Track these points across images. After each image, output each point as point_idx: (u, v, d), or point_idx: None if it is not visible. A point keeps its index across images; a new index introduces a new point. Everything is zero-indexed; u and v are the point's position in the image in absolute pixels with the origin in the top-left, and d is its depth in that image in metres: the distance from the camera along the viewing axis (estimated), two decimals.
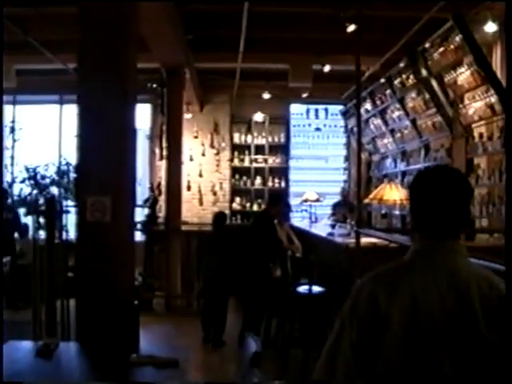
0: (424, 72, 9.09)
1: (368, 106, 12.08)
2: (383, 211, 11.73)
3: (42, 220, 6.16)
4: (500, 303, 1.98)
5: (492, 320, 1.97)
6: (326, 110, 14.47)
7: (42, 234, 6.14)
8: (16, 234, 11.82)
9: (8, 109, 14.30)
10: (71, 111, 13.26)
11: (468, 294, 1.99)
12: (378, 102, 11.67)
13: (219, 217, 8.35)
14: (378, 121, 12.18)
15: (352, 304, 2.08)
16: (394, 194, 9.48)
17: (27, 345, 4.51)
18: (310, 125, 14.48)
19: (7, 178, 14.12)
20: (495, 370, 1.97)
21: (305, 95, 12.43)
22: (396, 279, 2.06)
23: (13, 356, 4.05)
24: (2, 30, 3.43)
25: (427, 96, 9.31)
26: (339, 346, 2.05)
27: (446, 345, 1.96)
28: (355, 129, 12.88)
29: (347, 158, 14.45)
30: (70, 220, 6.21)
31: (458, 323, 1.96)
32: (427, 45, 8.68)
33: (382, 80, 10.89)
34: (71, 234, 6.31)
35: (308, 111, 14.45)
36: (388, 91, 10.93)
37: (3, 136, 5.16)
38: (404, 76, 9.96)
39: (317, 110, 14.47)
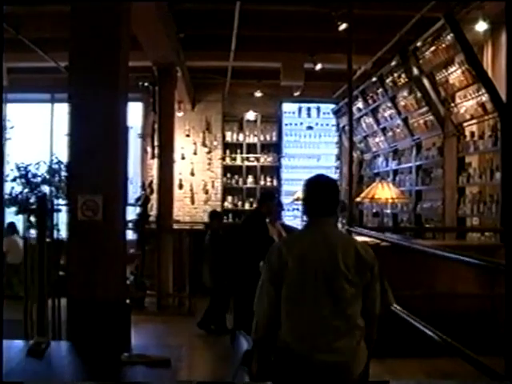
0: (416, 71, 9.12)
1: (360, 104, 12.11)
2: (374, 210, 11.77)
3: (32, 219, 6.11)
4: (354, 254, 3.31)
5: (348, 263, 3.28)
6: (318, 108, 14.48)
7: (33, 232, 6.10)
8: None
9: None
10: (62, 110, 13.24)
11: (335, 247, 3.34)
12: (370, 101, 11.70)
13: (215, 214, 8.55)
14: (369, 119, 12.21)
15: (267, 259, 3.42)
16: (385, 192, 9.51)
17: (18, 344, 4.50)
18: (301, 123, 14.49)
19: None
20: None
21: (297, 94, 12.44)
22: (293, 240, 3.69)
23: (4, 355, 4.04)
24: (1, 29, 3.42)
25: (419, 95, 9.34)
26: (262, 305, 3.39)
27: (320, 276, 3.28)
28: (347, 127, 12.86)
29: (339, 157, 14.47)
30: (61, 219, 6.19)
31: (328, 264, 3.29)
32: (419, 43, 8.70)
33: (374, 79, 10.91)
34: (62, 233, 6.29)
35: (300, 110, 14.47)
36: (380, 90, 10.96)
37: (3, 135, 5.16)
38: (396, 75, 9.98)
39: (309, 109, 14.48)
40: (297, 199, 12.53)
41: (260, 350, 3.37)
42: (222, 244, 8.47)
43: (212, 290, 8.43)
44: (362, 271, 3.30)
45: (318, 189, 3.51)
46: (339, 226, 8.98)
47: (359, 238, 6.50)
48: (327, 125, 14.56)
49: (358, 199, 10.32)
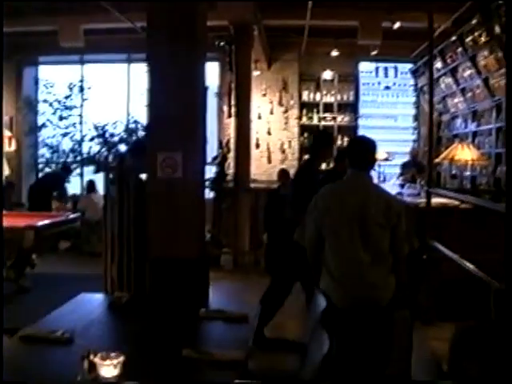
0: (497, 29, 8.77)
1: (438, 64, 11.78)
2: (453, 172, 11.52)
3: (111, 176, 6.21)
4: (383, 202, 4.12)
5: (378, 208, 4.07)
6: (396, 68, 14.19)
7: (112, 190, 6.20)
8: (54, 194, 12.21)
9: (76, 68, 14.54)
10: (139, 70, 13.39)
11: (368, 195, 4.15)
12: (449, 61, 11.36)
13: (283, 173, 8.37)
14: (448, 80, 11.87)
15: (314, 202, 4.32)
16: (465, 153, 9.30)
17: (99, 297, 4.63)
18: (379, 83, 14.25)
19: (77, 136, 14.42)
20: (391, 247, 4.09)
21: (374, 53, 12.20)
22: (336, 188, 4.41)
23: (86, 308, 4.18)
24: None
25: (500, 54, 9.00)
26: (309, 225, 4.32)
27: (355, 217, 4.07)
28: (425, 88, 12.63)
29: (416, 118, 14.18)
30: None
31: (361, 209, 4.08)
32: (501, 1, 8.35)
33: (453, 38, 10.57)
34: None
35: (377, 69, 14.21)
36: (459, 49, 10.61)
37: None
38: (476, 33, 9.63)
39: (386, 69, 14.20)
40: None
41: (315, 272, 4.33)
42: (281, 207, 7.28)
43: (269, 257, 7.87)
44: (389, 216, 4.07)
45: (357, 147, 4.41)
46: (418, 186, 8.93)
47: (438, 200, 6.42)
48: (405, 85, 14.27)
49: (437, 160, 10.11)
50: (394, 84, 14.27)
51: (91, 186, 12.57)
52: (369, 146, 4.34)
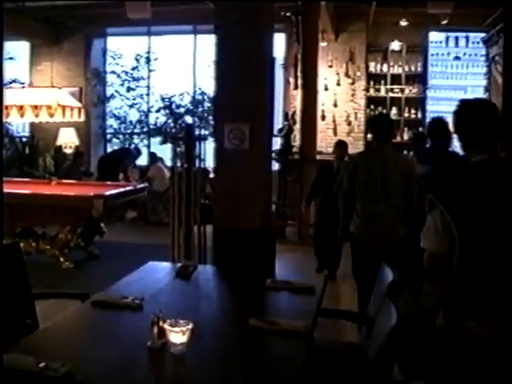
0: None
1: None
2: None
3: (178, 148, 6.28)
4: (401, 167, 5.48)
5: (396, 171, 5.42)
6: (467, 37, 13.77)
7: (178, 161, 6.27)
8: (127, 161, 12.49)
9: (143, 40, 14.68)
10: (205, 41, 13.41)
11: (392, 161, 5.48)
12: None
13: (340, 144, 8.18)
14: None
15: (347, 166, 5.83)
16: None
17: (166, 266, 4.71)
18: (448, 53, 13.85)
19: (143, 107, 14.59)
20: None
21: (444, 22, 11.88)
22: (364, 155, 6.40)
23: (154, 276, 4.25)
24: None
25: None
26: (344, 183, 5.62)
27: (379, 179, 5.40)
28: (497, 57, 12.25)
29: (487, 89, 13.79)
30: (205, 149, 6.35)
31: (384, 170, 5.39)
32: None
33: None
34: (207, 162, 6.45)
35: (447, 39, 13.83)
36: None
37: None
38: None
39: (457, 38, 13.81)
40: None
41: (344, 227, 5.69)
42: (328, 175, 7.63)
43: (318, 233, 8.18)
44: (405, 178, 5.42)
45: (379, 124, 5.73)
46: None
47: None
48: (475, 55, 13.83)
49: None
50: (465, 54, 13.86)
51: (153, 157, 12.76)
52: (388, 122, 5.90)
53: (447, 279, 3.16)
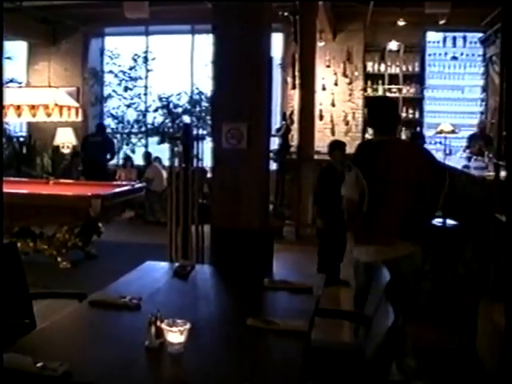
0: None
1: None
2: None
3: (175, 148, 6.28)
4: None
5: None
6: (465, 37, 13.79)
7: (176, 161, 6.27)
8: (108, 156, 12.45)
9: (141, 39, 14.68)
10: (203, 41, 13.42)
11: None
12: None
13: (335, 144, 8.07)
14: None
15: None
16: None
17: (164, 266, 4.70)
18: (446, 53, 13.88)
19: (141, 106, 14.58)
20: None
21: (442, 22, 11.88)
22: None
23: (151, 275, 4.25)
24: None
25: None
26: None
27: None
28: (494, 57, 12.26)
29: (485, 89, 13.80)
30: (202, 149, 6.34)
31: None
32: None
33: None
34: (204, 162, 6.45)
35: (445, 39, 13.85)
36: None
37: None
38: None
39: (454, 38, 13.83)
40: (440, 132, 12.18)
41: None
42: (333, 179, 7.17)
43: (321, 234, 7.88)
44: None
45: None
46: (486, 159, 8.74)
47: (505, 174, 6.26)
48: (473, 55, 13.86)
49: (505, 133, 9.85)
50: (462, 54, 13.89)
51: (148, 157, 12.73)
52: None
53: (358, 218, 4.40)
